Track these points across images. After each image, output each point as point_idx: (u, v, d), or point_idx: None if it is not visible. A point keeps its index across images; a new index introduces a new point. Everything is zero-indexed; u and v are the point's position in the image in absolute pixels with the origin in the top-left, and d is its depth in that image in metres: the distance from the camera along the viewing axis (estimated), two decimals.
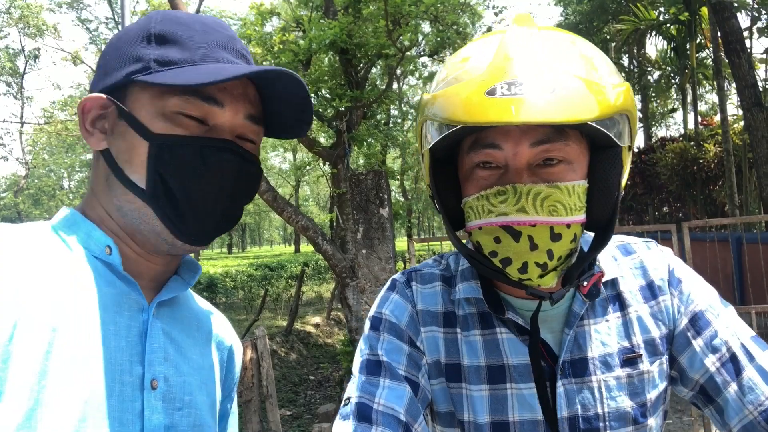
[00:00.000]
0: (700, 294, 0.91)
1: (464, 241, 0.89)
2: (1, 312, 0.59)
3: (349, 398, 0.86)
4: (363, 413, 0.83)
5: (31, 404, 0.58)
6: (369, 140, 9.70)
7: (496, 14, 10.84)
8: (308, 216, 7.91)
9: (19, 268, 0.64)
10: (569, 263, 0.84)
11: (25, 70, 28.37)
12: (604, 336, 0.88)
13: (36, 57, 27.93)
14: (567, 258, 0.82)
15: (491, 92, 0.71)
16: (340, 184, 8.60)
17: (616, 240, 0.99)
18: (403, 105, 21.34)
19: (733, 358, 0.84)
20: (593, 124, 0.73)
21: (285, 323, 11.35)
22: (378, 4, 8.47)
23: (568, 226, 0.79)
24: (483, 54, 0.80)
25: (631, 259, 0.95)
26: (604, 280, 0.89)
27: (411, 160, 29.91)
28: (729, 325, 0.87)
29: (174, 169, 0.72)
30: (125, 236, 0.76)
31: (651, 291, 0.92)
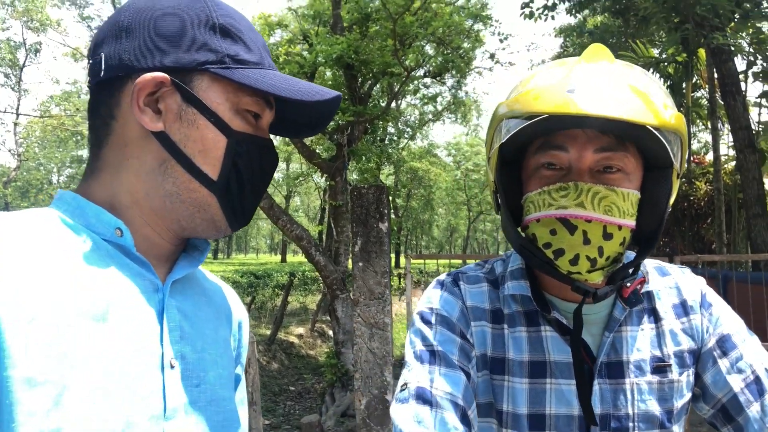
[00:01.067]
0: (729, 319, 0.98)
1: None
2: (16, 300, 0.59)
3: (406, 384, 0.89)
4: (422, 396, 0.86)
5: (59, 389, 0.59)
6: (367, 155, 9.78)
7: (501, 41, 11.03)
8: (302, 226, 7.94)
9: (30, 255, 0.63)
10: (615, 267, 0.90)
11: (25, 62, 28.28)
12: (639, 343, 0.93)
13: (37, 51, 27.87)
14: (614, 261, 0.89)
15: (571, 90, 0.78)
16: (337, 197, 8.64)
17: (654, 263, 1.06)
18: (399, 123, 21.49)
19: (757, 380, 0.89)
20: (656, 133, 0.79)
21: (269, 332, 11.28)
22: (385, 24, 8.60)
23: (620, 228, 0.85)
24: (557, 71, 0.88)
25: (667, 280, 1.02)
26: (643, 290, 0.95)
27: (404, 178, 30.04)
28: (755, 351, 0.93)
29: (245, 164, 0.76)
30: (154, 219, 0.75)
31: (684, 309, 0.98)
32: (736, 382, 0.90)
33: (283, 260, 37.25)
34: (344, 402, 7.01)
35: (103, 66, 0.72)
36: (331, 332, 9.10)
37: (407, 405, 0.86)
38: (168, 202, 0.74)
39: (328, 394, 7.54)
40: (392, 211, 30.06)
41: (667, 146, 0.81)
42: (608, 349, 0.92)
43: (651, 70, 12.33)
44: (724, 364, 0.92)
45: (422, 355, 0.93)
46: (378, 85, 11.92)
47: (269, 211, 7.63)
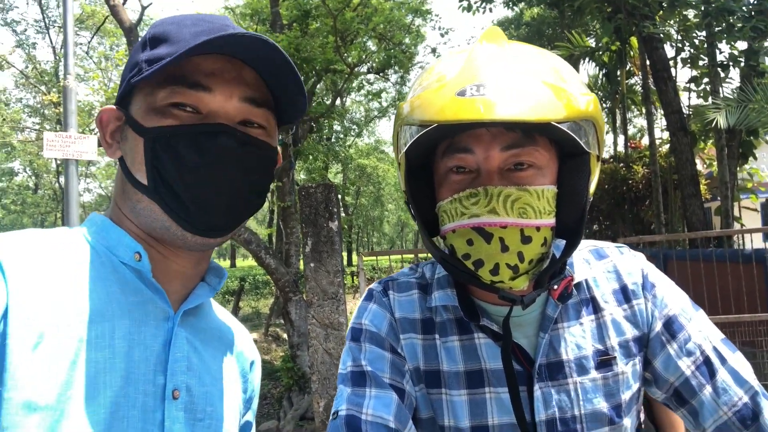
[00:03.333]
0: (673, 298, 0.94)
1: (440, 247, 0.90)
2: (26, 321, 0.59)
3: (337, 412, 0.86)
4: (352, 425, 0.82)
5: (57, 415, 0.58)
6: (313, 154, 9.66)
7: (442, 35, 11.12)
8: (251, 229, 7.77)
9: (47, 275, 0.64)
10: (541, 267, 0.86)
11: None
12: (578, 339, 0.90)
13: None
14: (538, 262, 0.85)
15: (461, 93, 0.74)
16: (284, 198, 8.50)
17: (589, 244, 1.01)
18: (345, 121, 21.40)
19: (707, 361, 0.88)
20: (561, 127, 0.76)
21: None
22: (325, 21, 8.50)
23: (538, 229, 0.81)
24: (454, 64, 0.83)
25: (604, 263, 0.98)
26: (575, 281, 0.92)
27: (352, 175, 29.97)
28: (701, 329, 0.91)
29: (169, 160, 0.71)
30: (150, 239, 0.76)
31: (625, 294, 0.94)
32: (686, 366, 0.88)
33: (233, 265, 36.55)
34: (302, 405, 6.90)
35: None
36: (285, 336, 8.98)
37: None
38: (135, 219, 0.75)
39: (285, 398, 7.42)
40: (342, 209, 29.99)
41: (576, 137, 0.78)
42: (546, 350, 0.88)
43: (587, 59, 12.71)
44: (672, 347, 0.90)
45: (352, 377, 0.90)
46: (321, 83, 11.81)
47: None
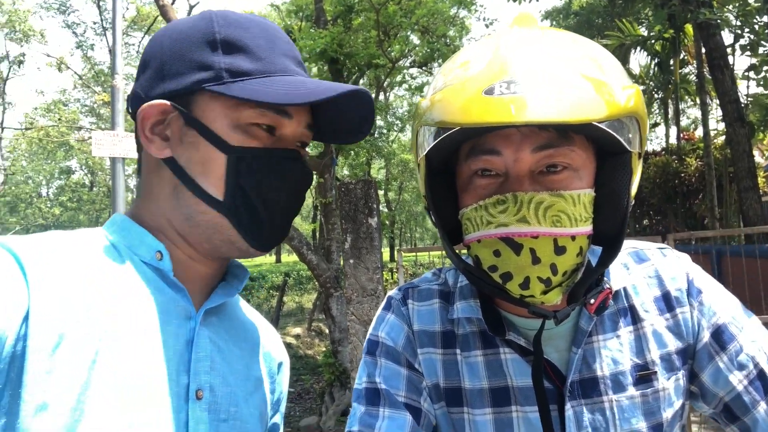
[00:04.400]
0: (722, 305, 0.85)
1: (463, 256, 0.84)
2: (46, 322, 0.59)
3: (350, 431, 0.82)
4: None
5: (77, 416, 0.58)
6: (355, 150, 9.68)
7: (486, 26, 10.93)
8: (293, 225, 7.85)
9: (68, 276, 0.63)
10: (575, 279, 0.78)
11: (8, 75, 27.95)
12: (615, 353, 0.82)
13: (21, 62, 27.54)
14: (573, 273, 0.76)
15: (489, 91, 0.66)
16: (326, 194, 8.55)
17: (628, 246, 0.92)
18: (389, 116, 21.39)
19: (761, 375, 0.79)
20: (601, 126, 0.68)
21: None
22: (369, 15, 8.48)
23: (573, 238, 0.73)
24: (481, 55, 0.74)
25: (644, 268, 0.89)
26: (614, 289, 0.84)
27: (395, 171, 29.96)
28: (755, 339, 0.82)
29: (252, 180, 0.72)
30: (182, 242, 0.75)
31: (667, 302, 0.85)
32: (737, 380, 0.79)
33: (278, 261, 37.16)
34: (343, 401, 6.94)
35: (130, 101, 0.77)
36: (327, 331, 9.05)
37: None
38: (186, 226, 0.74)
39: (327, 393, 7.48)
40: (385, 204, 30.04)
41: (618, 136, 0.70)
42: (579, 365, 0.81)
43: (639, 48, 12.27)
44: (722, 360, 0.81)
45: (366, 394, 0.85)
46: (364, 78, 11.82)
47: None
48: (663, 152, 13.99)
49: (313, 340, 12.01)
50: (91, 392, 0.59)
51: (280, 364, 0.90)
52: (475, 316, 0.86)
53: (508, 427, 0.81)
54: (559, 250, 0.72)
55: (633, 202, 0.79)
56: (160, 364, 0.66)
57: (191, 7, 7.64)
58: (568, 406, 0.80)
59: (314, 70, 10.46)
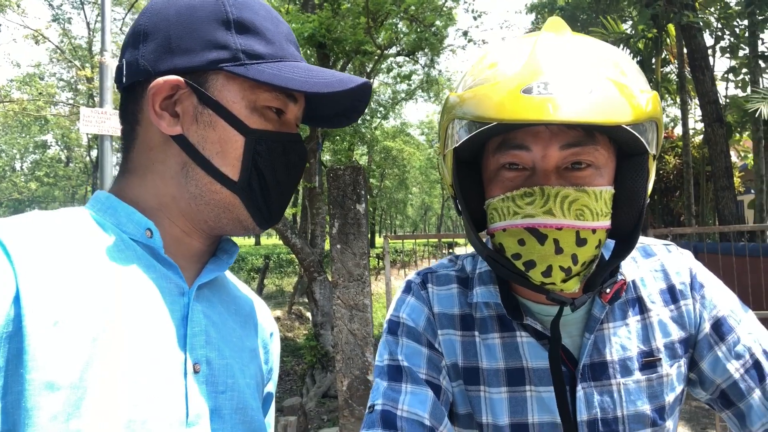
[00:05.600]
0: (722, 299, 0.92)
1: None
2: (40, 303, 0.58)
3: (372, 406, 0.86)
4: (388, 420, 0.83)
5: (80, 393, 0.58)
6: (340, 135, 9.67)
7: (474, 18, 10.95)
8: None
9: (56, 256, 0.62)
10: (591, 269, 0.83)
11: None
12: (623, 340, 0.88)
13: None
14: (590, 264, 0.82)
15: (527, 91, 0.70)
16: (311, 179, 8.55)
17: (639, 242, 0.98)
18: (372, 103, 21.32)
19: (757, 365, 0.86)
20: (628, 129, 0.74)
21: None
22: (357, 1, 8.44)
23: (594, 231, 0.78)
24: (514, 57, 0.79)
25: (651, 262, 0.95)
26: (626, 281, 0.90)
27: (377, 157, 29.92)
28: (751, 331, 0.89)
29: (266, 163, 0.74)
30: (182, 219, 0.75)
31: (672, 295, 0.92)
32: (734, 369, 0.87)
33: (257, 243, 36.95)
34: (325, 383, 7.03)
35: (124, 72, 0.74)
36: (309, 314, 9.10)
37: (374, 431, 0.83)
38: (193, 204, 0.74)
39: (308, 375, 7.55)
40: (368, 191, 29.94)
41: (641, 138, 0.76)
42: (590, 350, 0.87)
43: (621, 46, 12.43)
44: (721, 349, 0.88)
45: (389, 371, 0.90)
46: (351, 65, 11.77)
47: None
48: None
49: (294, 323, 12.05)
50: (93, 370, 0.59)
51: (271, 334, 0.93)
52: (493, 301, 0.91)
53: (522, 405, 0.87)
54: (581, 242, 0.78)
55: (648, 201, 0.85)
56: (156, 341, 0.66)
57: None
58: (579, 387, 0.85)
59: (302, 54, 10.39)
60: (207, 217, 0.75)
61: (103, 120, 4.75)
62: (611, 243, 0.88)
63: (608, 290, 0.85)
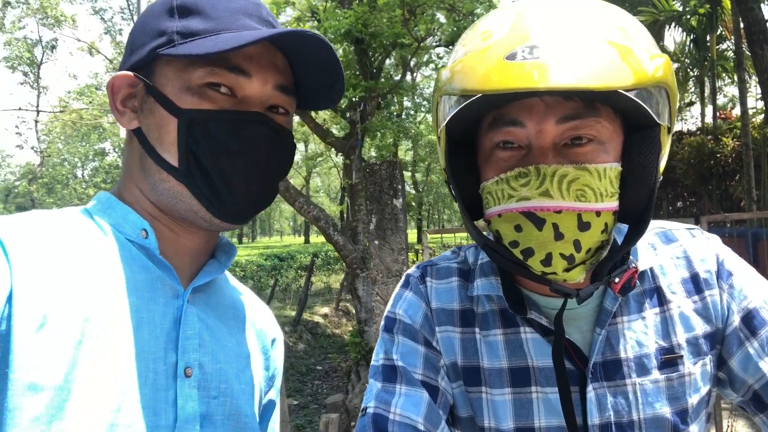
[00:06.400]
0: (754, 289, 0.81)
1: (484, 232, 0.82)
2: (30, 303, 0.58)
3: (365, 408, 0.81)
4: (379, 424, 0.78)
5: (64, 395, 0.57)
6: (382, 131, 9.63)
7: (513, 1, 10.68)
8: (320, 207, 7.90)
9: (51, 255, 0.63)
10: (600, 257, 0.75)
11: (42, 60, 28.56)
12: (640, 335, 0.80)
13: (53, 47, 28.09)
14: (597, 251, 0.74)
15: (511, 56, 0.63)
16: (352, 175, 8.57)
17: (656, 226, 0.90)
18: (416, 96, 21.19)
19: None
20: (629, 95, 0.65)
21: (294, 313, 11.38)
22: None
23: (598, 214, 0.71)
24: (503, 22, 0.71)
25: (672, 248, 0.86)
26: (640, 269, 0.81)
27: (423, 152, 29.79)
28: None
29: (206, 145, 0.69)
30: (162, 216, 0.74)
31: (696, 284, 0.83)
32: None
33: (307, 241, 37.51)
34: None
35: None
36: (354, 311, 9.12)
37: None
38: (155, 196, 0.73)
39: (353, 372, 7.57)
40: (412, 186, 29.88)
41: (645, 105, 0.67)
42: (602, 347, 0.79)
43: (673, 24, 11.88)
44: (752, 345, 0.78)
45: (383, 371, 0.85)
46: (391, 59, 11.73)
47: (285, 193, 7.60)
48: (698, 132, 13.58)
49: (341, 319, 12.14)
50: (78, 372, 0.59)
51: (273, 340, 0.90)
52: (495, 294, 0.84)
53: (527, 408, 0.80)
54: (583, 226, 0.70)
55: (661, 178, 0.76)
56: (147, 343, 0.66)
57: None
58: (589, 388, 0.78)
59: (339, 51, 10.42)
60: (167, 207, 0.73)
61: None
62: (625, 228, 0.79)
63: (617, 279, 0.76)
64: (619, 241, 0.81)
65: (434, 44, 11.75)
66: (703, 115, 14.47)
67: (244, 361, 0.80)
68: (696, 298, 0.82)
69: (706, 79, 13.78)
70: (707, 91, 14.23)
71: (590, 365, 0.78)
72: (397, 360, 0.84)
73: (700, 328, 0.81)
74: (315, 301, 13.35)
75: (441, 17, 10.93)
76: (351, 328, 10.25)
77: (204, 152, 0.69)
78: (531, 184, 0.70)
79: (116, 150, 34.75)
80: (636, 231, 0.75)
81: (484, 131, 0.77)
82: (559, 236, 0.70)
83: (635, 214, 0.75)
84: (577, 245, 0.71)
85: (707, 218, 4.71)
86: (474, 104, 0.70)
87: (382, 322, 0.90)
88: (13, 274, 0.59)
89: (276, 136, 0.74)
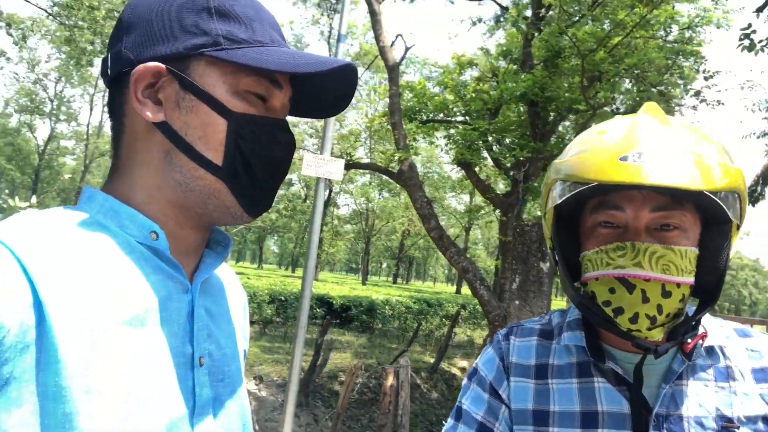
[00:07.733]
0: None
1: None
2: (63, 310, 0.59)
3: None
4: None
5: (118, 396, 0.61)
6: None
7: (706, 78, 10.03)
8: (470, 259, 7.99)
9: (63, 259, 0.62)
10: (675, 322, 0.90)
11: None
12: (701, 398, 0.90)
13: None
14: (675, 317, 0.89)
15: (623, 158, 0.82)
16: (507, 233, 8.56)
17: (735, 325, 1.02)
18: None
19: None
20: (710, 196, 0.82)
21: (432, 360, 11.43)
22: (578, 60, 8.40)
23: (678, 285, 0.86)
24: (616, 130, 0.91)
25: (748, 341, 0.98)
26: (709, 344, 0.93)
27: None
28: None
29: (251, 146, 0.73)
30: (176, 213, 0.74)
31: (765, 374, 0.93)
32: None
33: (458, 291, 37.33)
34: None
35: (109, 64, 0.74)
36: None
37: None
38: (180, 192, 0.73)
39: None
40: None
41: (723, 206, 0.83)
42: (666, 401, 0.91)
43: None
44: None
45: (456, 412, 1.06)
46: (567, 122, 11.61)
47: (438, 241, 7.83)
48: None
49: None
50: (105, 371, 0.61)
51: (244, 306, 0.96)
52: (578, 344, 0.99)
53: None
54: (666, 294, 0.86)
55: (729, 265, 0.91)
56: (169, 339, 0.69)
57: (407, 49, 8.25)
58: None
59: (514, 111, 10.57)
60: (194, 204, 0.74)
61: (321, 165, 5.40)
62: (695, 306, 0.94)
63: (689, 340, 0.91)
64: (689, 314, 0.95)
65: (614, 111, 11.41)
66: None
67: (235, 338, 0.86)
68: (764, 386, 0.92)
69: None
70: None
71: (653, 414, 0.89)
72: (465, 404, 1.04)
73: (762, 410, 0.90)
74: (455, 353, 13.27)
75: (627, 82, 10.61)
76: None
77: (250, 152, 0.73)
78: (627, 255, 0.87)
79: (300, 181, 37.76)
80: (705, 303, 0.91)
81: (588, 212, 0.96)
82: (645, 300, 0.86)
83: (706, 290, 0.91)
84: (659, 309, 0.86)
85: None
86: (585, 190, 0.89)
87: (468, 371, 1.11)
88: (36, 283, 0.58)
89: (292, 138, 0.80)
